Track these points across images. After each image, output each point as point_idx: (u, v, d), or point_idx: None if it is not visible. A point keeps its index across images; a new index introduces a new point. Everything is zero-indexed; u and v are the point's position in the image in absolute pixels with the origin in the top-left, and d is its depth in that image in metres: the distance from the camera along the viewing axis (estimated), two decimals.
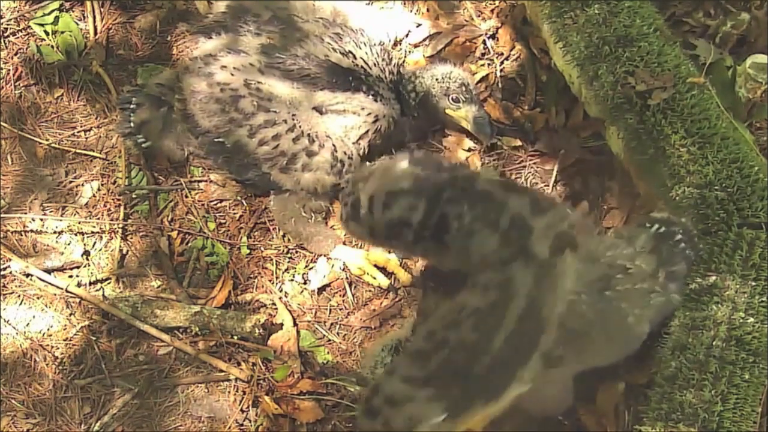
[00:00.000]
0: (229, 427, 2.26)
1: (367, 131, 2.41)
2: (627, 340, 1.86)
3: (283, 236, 2.47)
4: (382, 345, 2.08)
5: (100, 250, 2.51)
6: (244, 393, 2.28)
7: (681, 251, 1.88)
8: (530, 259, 1.73)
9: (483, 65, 2.62)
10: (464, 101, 2.41)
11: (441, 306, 1.84)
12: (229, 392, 2.30)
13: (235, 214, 2.52)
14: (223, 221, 2.51)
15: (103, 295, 2.43)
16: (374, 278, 2.38)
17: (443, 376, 1.66)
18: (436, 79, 2.41)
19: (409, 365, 1.72)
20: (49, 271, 2.45)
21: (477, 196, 1.85)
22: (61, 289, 2.42)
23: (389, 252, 2.39)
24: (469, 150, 2.50)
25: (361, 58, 2.39)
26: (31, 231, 2.54)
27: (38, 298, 2.44)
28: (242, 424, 2.26)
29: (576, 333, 1.78)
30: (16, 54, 2.73)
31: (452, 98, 2.41)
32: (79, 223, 2.53)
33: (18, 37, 2.76)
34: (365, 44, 2.42)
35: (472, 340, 1.68)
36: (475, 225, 1.81)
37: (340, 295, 2.40)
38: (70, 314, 2.42)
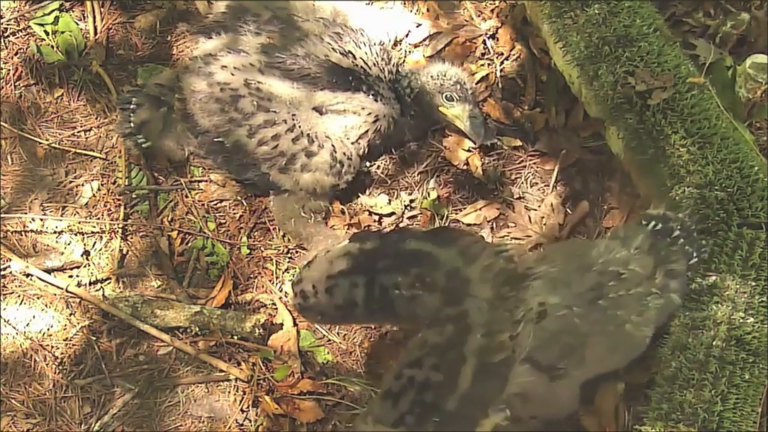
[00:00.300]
0: (229, 427, 2.26)
1: (366, 131, 2.41)
2: (628, 346, 1.85)
3: (283, 236, 2.47)
4: None
5: (100, 250, 2.51)
6: (244, 393, 2.28)
7: (679, 247, 1.87)
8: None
9: (483, 65, 2.62)
10: (458, 99, 2.40)
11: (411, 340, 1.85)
12: (229, 392, 2.30)
13: (235, 214, 2.51)
14: (223, 221, 2.51)
15: (103, 295, 2.42)
16: None
17: (415, 414, 1.68)
18: (431, 76, 2.41)
19: (380, 405, 1.74)
20: (49, 271, 2.45)
21: (408, 260, 1.84)
22: (61, 289, 2.42)
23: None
24: (469, 150, 2.50)
25: (360, 58, 2.39)
26: (31, 231, 2.54)
27: (38, 298, 2.44)
28: (242, 424, 2.26)
29: (572, 346, 1.78)
30: (16, 54, 2.73)
31: (446, 96, 2.40)
32: (79, 223, 2.53)
33: (18, 37, 2.75)
34: (365, 44, 2.42)
35: (436, 380, 1.69)
36: (414, 290, 1.81)
37: None
38: (70, 314, 2.42)
